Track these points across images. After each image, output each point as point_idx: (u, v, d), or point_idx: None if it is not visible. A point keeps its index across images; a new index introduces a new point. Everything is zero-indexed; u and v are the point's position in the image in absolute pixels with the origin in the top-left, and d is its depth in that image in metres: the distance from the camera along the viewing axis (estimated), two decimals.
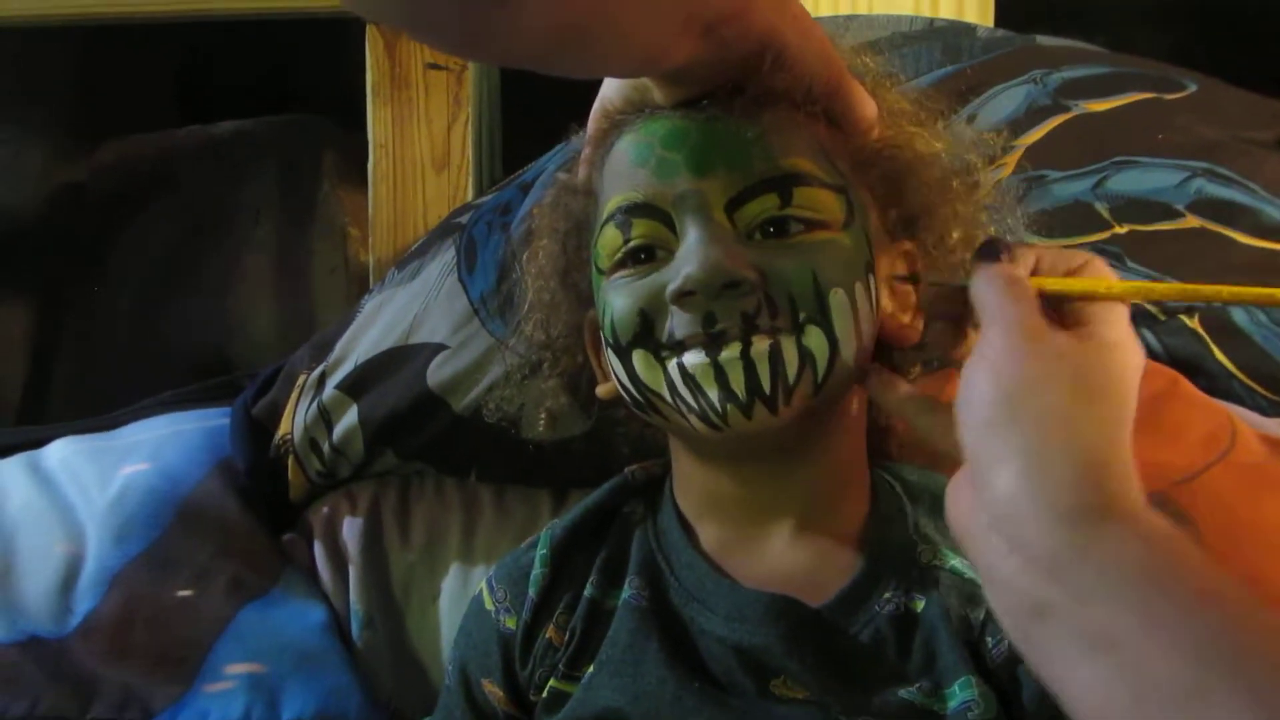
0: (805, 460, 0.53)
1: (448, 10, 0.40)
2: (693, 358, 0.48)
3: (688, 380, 0.49)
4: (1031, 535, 0.38)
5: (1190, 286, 0.45)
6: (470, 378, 0.74)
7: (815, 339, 0.49)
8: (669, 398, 0.50)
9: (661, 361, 0.50)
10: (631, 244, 0.51)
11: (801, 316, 0.48)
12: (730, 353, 0.48)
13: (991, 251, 0.45)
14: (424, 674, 0.74)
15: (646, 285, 0.50)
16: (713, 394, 0.48)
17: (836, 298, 0.49)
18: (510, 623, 0.57)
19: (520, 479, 0.78)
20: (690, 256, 0.48)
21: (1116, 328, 0.43)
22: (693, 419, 0.49)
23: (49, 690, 0.66)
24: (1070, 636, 0.36)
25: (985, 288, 0.44)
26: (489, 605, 0.58)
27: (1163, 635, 0.34)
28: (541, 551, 0.57)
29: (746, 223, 0.50)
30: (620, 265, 0.52)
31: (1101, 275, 0.45)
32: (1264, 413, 0.70)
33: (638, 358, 0.51)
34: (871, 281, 0.51)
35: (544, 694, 0.55)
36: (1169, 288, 0.45)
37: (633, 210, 0.51)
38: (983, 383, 0.41)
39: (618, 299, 0.51)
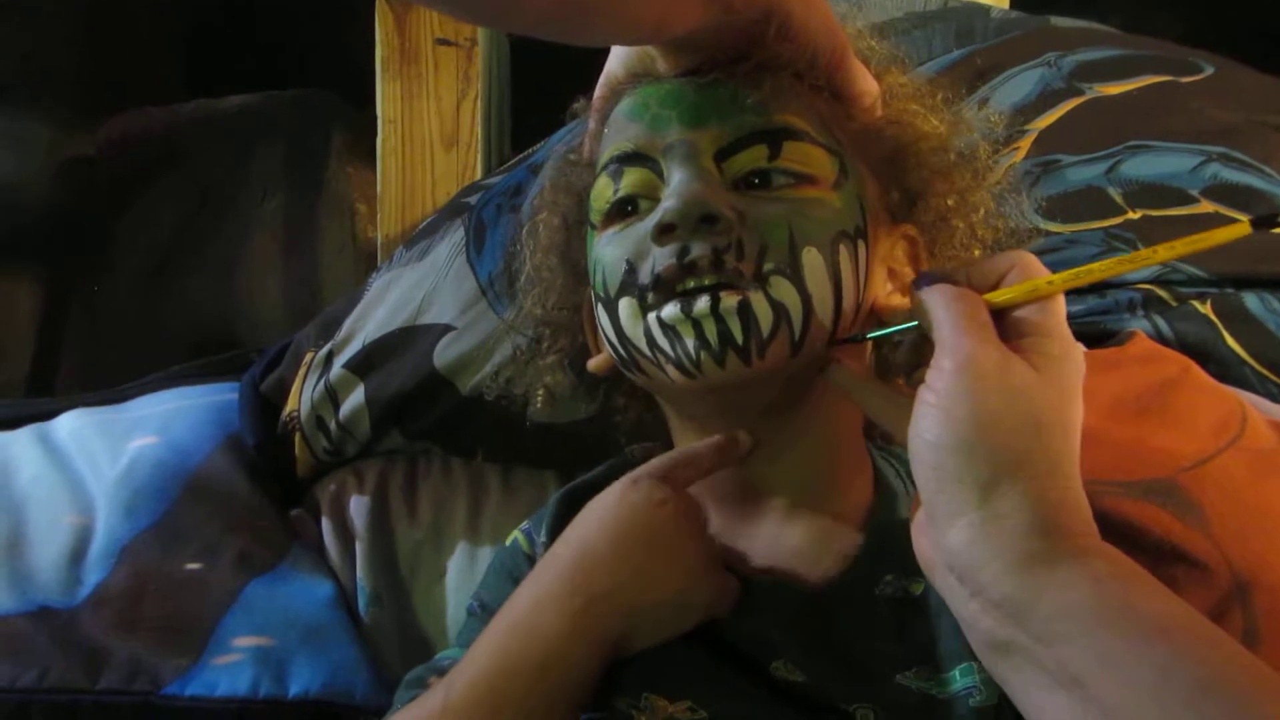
0: (798, 434, 0.53)
1: None
2: (669, 311, 0.49)
3: (665, 330, 0.49)
4: (987, 582, 0.39)
5: (1124, 259, 0.44)
6: (477, 359, 0.74)
7: (785, 292, 0.48)
8: (647, 350, 0.50)
9: (644, 312, 0.50)
10: (620, 194, 0.52)
11: (767, 267, 0.48)
12: (702, 308, 0.48)
13: (932, 278, 0.45)
14: (430, 652, 0.74)
15: (632, 234, 0.51)
16: (689, 341, 0.48)
17: (811, 256, 0.49)
18: None
19: (527, 460, 0.78)
20: (672, 194, 0.49)
21: (1056, 335, 0.43)
22: (669, 369, 0.50)
23: (59, 660, 0.67)
24: (1035, 673, 0.38)
25: (939, 308, 0.43)
26: (526, 548, 0.59)
27: (1120, 672, 0.35)
28: (546, 523, 0.59)
29: (734, 173, 0.50)
30: (609, 220, 0.52)
31: (1033, 271, 0.44)
32: (1275, 399, 0.69)
33: (624, 306, 0.51)
34: (861, 247, 0.51)
35: None
36: (1104, 265, 0.44)
37: (625, 159, 0.52)
38: (934, 424, 0.41)
39: (607, 252, 0.52)
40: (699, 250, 0.48)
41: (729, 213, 0.48)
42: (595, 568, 0.49)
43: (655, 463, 0.52)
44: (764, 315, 0.48)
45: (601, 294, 0.52)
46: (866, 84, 0.53)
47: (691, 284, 0.48)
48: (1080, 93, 0.77)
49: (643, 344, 0.50)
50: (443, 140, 0.98)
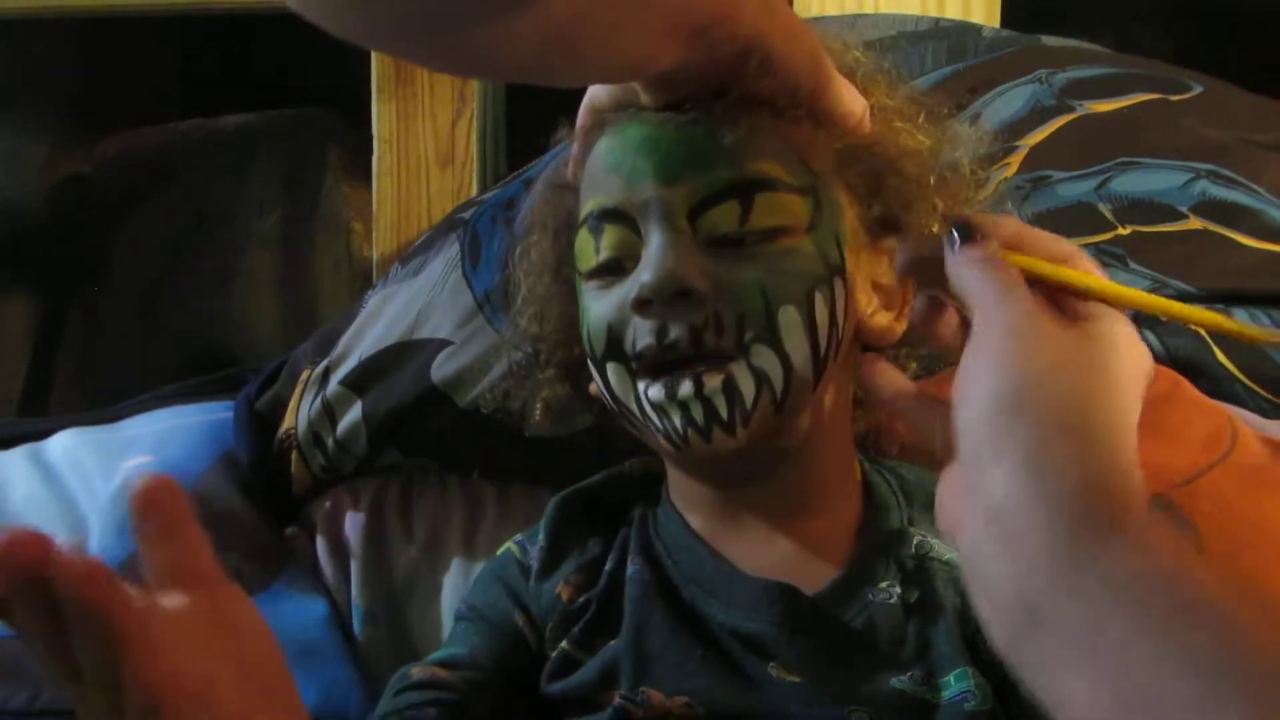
0: (783, 462, 0.54)
1: (428, 38, 0.41)
2: (655, 393, 0.51)
3: (653, 407, 0.51)
4: (1031, 539, 0.36)
5: (1185, 309, 0.42)
6: (475, 374, 0.74)
7: (765, 358, 0.50)
8: (639, 415, 0.52)
9: (633, 379, 0.52)
10: (602, 257, 0.53)
11: (748, 336, 0.50)
12: (687, 392, 0.50)
13: (966, 233, 0.42)
14: None
15: (614, 297, 0.52)
16: (676, 419, 0.50)
17: (787, 315, 0.50)
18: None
19: (523, 476, 0.78)
20: (648, 265, 0.50)
21: (1119, 326, 0.41)
22: (660, 438, 0.52)
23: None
24: (1063, 643, 0.35)
25: (969, 276, 0.41)
26: (519, 555, 0.60)
27: (1162, 648, 0.33)
28: (544, 525, 0.60)
29: (708, 229, 0.51)
30: (593, 274, 0.54)
31: (1090, 273, 0.43)
32: (1265, 415, 0.70)
33: (611, 370, 0.53)
34: (838, 286, 0.52)
35: (555, 654, 0.55)
36: (1157, 303, 0.42)
37: (604, 215, 0.53)
38: (986, 374, 0.39)
39: (592, 308, 0.53)
40: (677, 332, 0.50)
41: (702, 284, 0.49)
42: None
43: None
44: (746, 387, 0.50)
45: (590, 351, 0.54)
46: (852, 104, 0.54)
47: (673, 357, 0.50)
48: (1071, 110, 0.77)
49: (633, 408, 0.52)
50: (438, 159, 0.99)
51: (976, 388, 0.39)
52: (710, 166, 0.51)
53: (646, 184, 0.51)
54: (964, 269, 0.42)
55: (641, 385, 0.51)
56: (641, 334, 0.51)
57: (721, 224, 0.51)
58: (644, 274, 0.50)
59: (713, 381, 0.49)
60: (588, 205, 0.54)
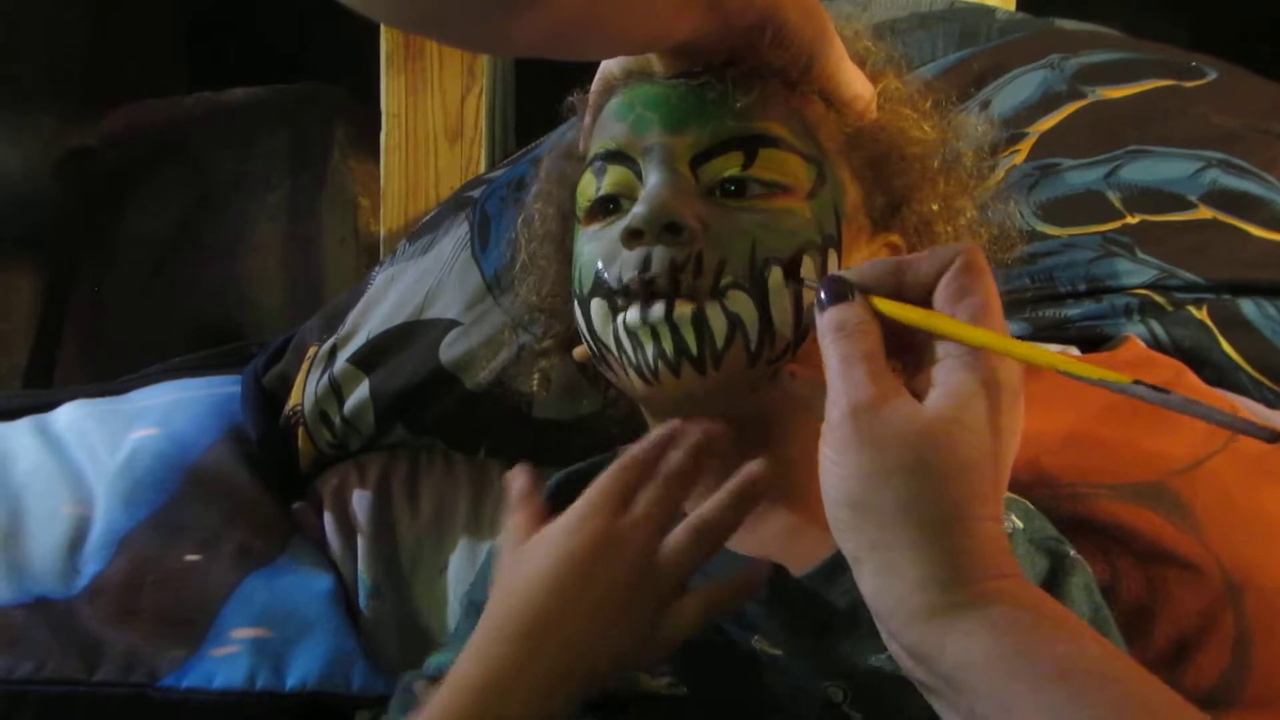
0: (768, 437, 0.53)
1: (451, 15, 0.42)
2: (631, 315, 0.50)
3: (629, 335, 0.51)
4: (895, 630, 0.40)
5: (1043, 353, 0.41)
6: (483, 355, 0.74)
7: (741, 304, 0.50)
8: (615, 351, 0.52)
9: (613, 314, 0.52)
10: (601, 193, 0.53)
11: (725, 281, 0.49)
12: (657, 315, 0.49)
13: (834, 291, 0.42)
14: (429, 644, 0.74)
15: (608, 234, 0.52)
16: (649, 350, 0.50)
17: (771, 269, 0.50)
18: None
19: (530, 456, 0.78)
20: (642, 200, 0.51)
21: (978, 366, 0.40)
22: (632, 374, 0.51)
23: (55, 651, 0.67)
24: (952, 714, 0.39)
25: (824, 345, 0.42)
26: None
27: (1018, 718, 0.36)
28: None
29: (709, 179, 0.51)
30: (592, 216, 0.54)
31: (979, 277, 0.41)
32: (1269, 405, 0.70)
33: (595, 307, 0.52)
34: (831, 257, 0.52)
35: None
36: (1015, 346, 0.40)
37: (608, 157, 0.53)
38: (827, 478, 0.41)
39: (585, 250, 0.53)
40: (658, 265, 0.49)
41: (693, 222, 0.49)
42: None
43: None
44: (718, 326, 0.49)
45: (578, 291, 0.54)
46: (861, 87, 0.54)
47: (652, 290, 0.50)
48: (1082, 95, 0.77)
49: (611, 344, 0.52)
50: (446, 134, 0.98)
51: (825, 475, 0.41)
52: (717, 120, 0.51)
53: (652, 130, 0.52)
54: (822, 335, 0.42)
55: (620, 315, 0.51)
56: (627, 267, 0.50)
57: (723, 171, 0.51)
58: (638, 207, 0.50)
59: (683, 309, 0.49)
60: (593, 149, 0.54)
